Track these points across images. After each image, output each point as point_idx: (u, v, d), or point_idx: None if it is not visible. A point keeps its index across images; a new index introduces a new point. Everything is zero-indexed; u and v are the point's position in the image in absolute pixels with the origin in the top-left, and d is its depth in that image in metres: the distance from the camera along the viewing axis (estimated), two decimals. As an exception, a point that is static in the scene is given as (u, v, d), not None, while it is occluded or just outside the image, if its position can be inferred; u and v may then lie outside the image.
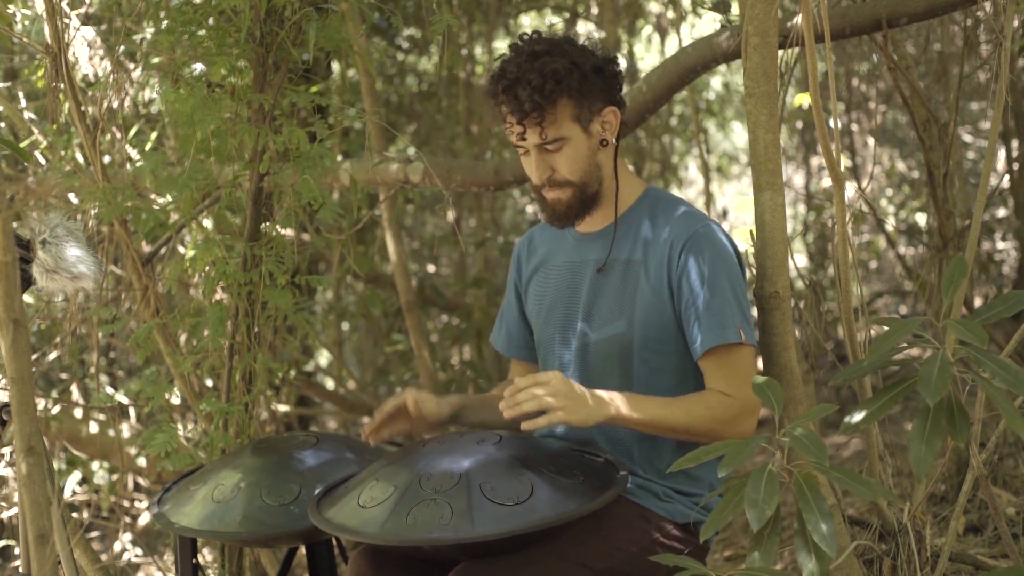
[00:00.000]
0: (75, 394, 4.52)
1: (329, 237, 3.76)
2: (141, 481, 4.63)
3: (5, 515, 3.89)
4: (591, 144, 2.11)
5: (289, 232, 3.18)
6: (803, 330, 2.68)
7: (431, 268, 6.83)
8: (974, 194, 4.11)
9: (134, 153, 3.46)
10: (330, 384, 6.05)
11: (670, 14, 5.97)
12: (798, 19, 2.43)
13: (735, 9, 2.90)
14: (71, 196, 3.26)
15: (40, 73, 3.25)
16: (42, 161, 3.43)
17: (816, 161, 7.37)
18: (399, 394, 2.20)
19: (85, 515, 4.45)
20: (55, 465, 4.11)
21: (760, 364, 2.26)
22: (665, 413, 2.01)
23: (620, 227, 2.17)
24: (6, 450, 3.76)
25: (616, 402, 1.98)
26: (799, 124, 6.99)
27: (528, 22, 6.67)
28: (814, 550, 1.60)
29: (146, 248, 3.41)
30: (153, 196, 3.01)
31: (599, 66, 2.10)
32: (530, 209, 6.72)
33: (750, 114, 2.19)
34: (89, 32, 3.09)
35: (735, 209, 9.34)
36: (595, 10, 5.59)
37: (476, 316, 5.15)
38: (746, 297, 2.12)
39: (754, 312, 2.21)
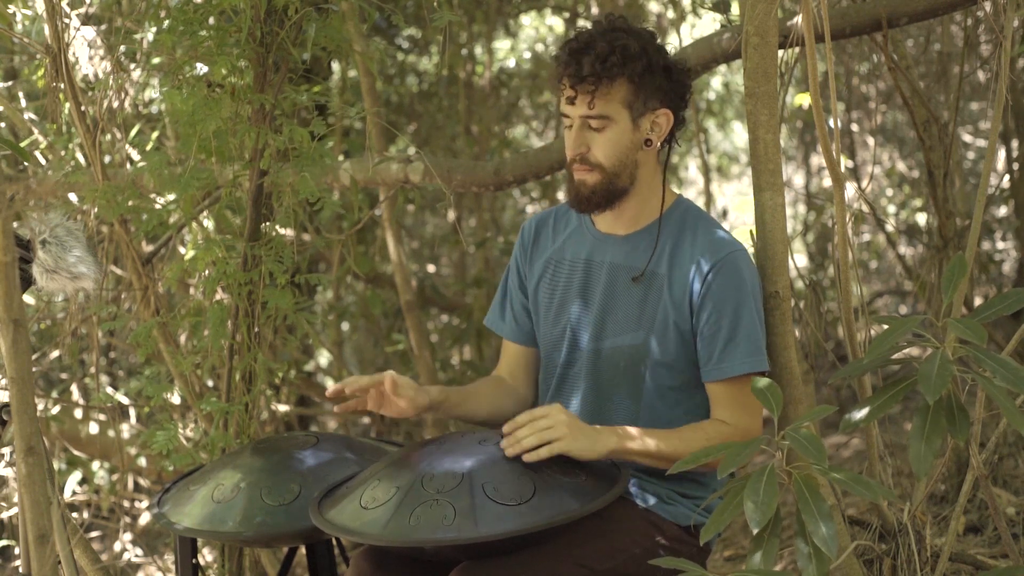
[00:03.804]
0: (75, 394, 4.52)
1: (329, 237, 3.75)
2: (141, 481, 4.63)
3: (5, 515, 3.89)
4: (635, 138, 2.07)
5: (289, 232, 3.18)
6: (803, 330, 2.68)
7: (431, 268, 6.83)
8: (974, 194, 4.11)
9: (134, 153, 3.47)
10: (330, 384, 6.04)
11: (670, 14, 5.97)
12: (798, 19, 2.43)
13: (735, 9, 2.90)
14: (71, 196, 3.26)
15: (40, 73, 3.25)
16: (42, 161, 3.43)
17: (816, 161, 7.37)
18: (378, 374, 2.13)
19: (85, 515, 4.45)
20: (55, 465, 4.11)
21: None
22: (663, 446, 2.00)
23: (646, 237, 2.14)
24: (6, 450, 3.76)
25: (616, 435, 1.97)
26: (799, 124, 6.98)
27: (528, 22, 6.66)
28: (814, 551, 1.60)
29: (146, 248, 3.42)
30: (153, 196, 3.02)
31: (669, 67, 2.07)
32: (530, 209, 6.71)
33: (750, 114, 2.19)
34: (89, 32, 3.08)
35: (735, 209, 9.33)
36: (595, 10, 5.58)
37: (476, 316, 5.14)
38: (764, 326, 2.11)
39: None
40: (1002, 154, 5.32)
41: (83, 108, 2.67)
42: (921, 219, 6.63)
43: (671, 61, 2.09)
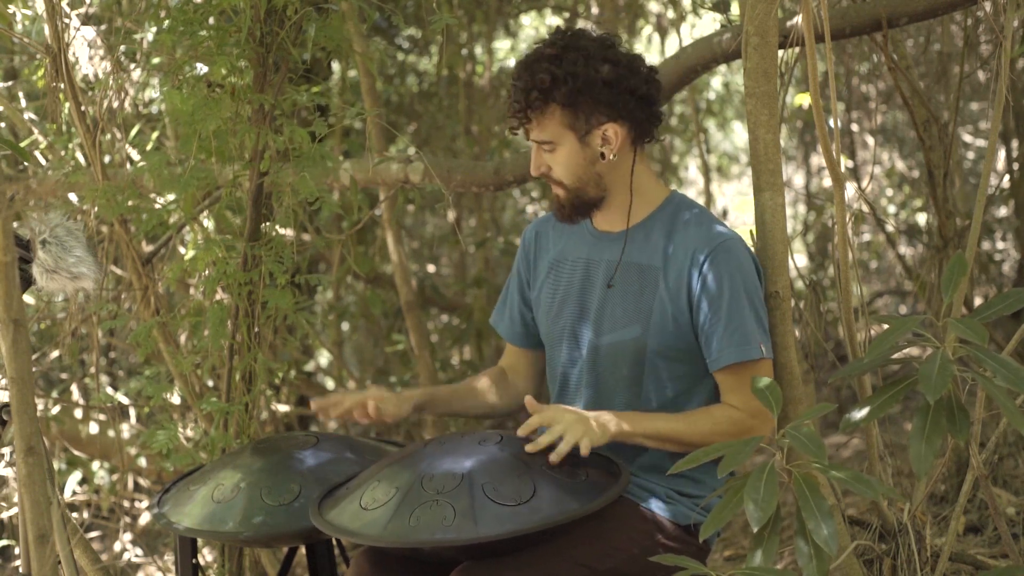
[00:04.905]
0: (75, 394, 4.52)
1: (329, 237, 3.75)
2: (141, 481, 4.63)
3: (5, 515, 3.89)
4: (587, 154, 2.08)
5: (289, 232, 3.18)
6: (803, 330, 2.68)
7: (431, 268, 6.83)
8: (974, 194, 4.11)
9: (134, 153, 3.47)
10: (330, 384, 6.04)
11: (670, 14, 5.97)
12: (798, 19, 2.43)
13: (735, 9, 2.90)
14: (71, 196, 3.26)
15: (40, 73, 3.25)
16: (42, 161, 3.43)
17: (816, 161, 7.37)
18: (362, 392, 2.19)
19: (85, 515, 4.45)
20: (55, 465, 4.11)
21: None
22: (669, 427, 2.03)
23: (640, 232, 2.15)
24: (6, 450, 3.76)
25: (621, 419, 2.01)
26: (799, 124, 6.98)
27: (528, 22, 6.66)
28: (814, 550, 1.60)
29: (146, 248, 3.42)
30: (153, 196, 3.01)
31: (611, 81, 2.03)
32: (530, 209, 6.71)
33: (750, 114, 2.19)
34: (89, 32, 3.08)
35: (735, 209, 9.33)
36: (595, 10, 5.58)
37: (476, 316, 5.15)
38: (765, 310, 2.11)
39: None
40: (1002, 154, 5.31)
41: (83, 108, 2.67)
42: (921, 219, 6.63)
43: (618, 71, 2.04)
